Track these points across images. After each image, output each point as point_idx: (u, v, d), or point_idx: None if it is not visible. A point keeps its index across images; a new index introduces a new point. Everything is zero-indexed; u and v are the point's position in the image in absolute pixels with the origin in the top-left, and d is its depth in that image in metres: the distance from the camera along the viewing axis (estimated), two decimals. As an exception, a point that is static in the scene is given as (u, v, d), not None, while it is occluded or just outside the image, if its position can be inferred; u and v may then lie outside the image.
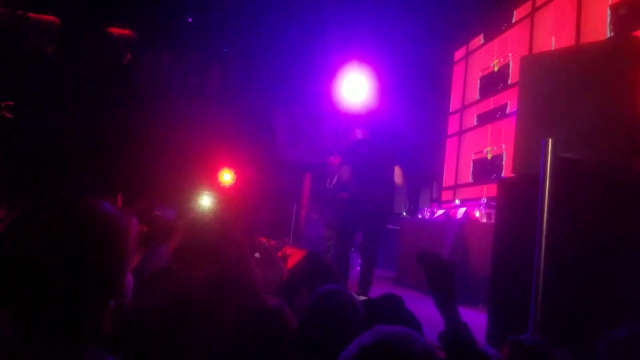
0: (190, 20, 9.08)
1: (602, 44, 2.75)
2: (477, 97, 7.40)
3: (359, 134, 4.87)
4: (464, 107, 7.79)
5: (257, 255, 2.58)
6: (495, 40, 7.16)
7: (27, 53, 8.36)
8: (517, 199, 2.94)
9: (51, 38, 8.64)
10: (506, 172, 6.07)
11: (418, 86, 8.02)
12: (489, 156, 6.76)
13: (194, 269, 2.20)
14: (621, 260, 2.38)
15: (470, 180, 7.24)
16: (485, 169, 6.83)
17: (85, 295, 0.92)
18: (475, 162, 7.17)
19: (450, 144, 8.05)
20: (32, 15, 8.44)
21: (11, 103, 7.98)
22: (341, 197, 4.63)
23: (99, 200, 1.02)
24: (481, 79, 7.36)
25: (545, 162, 2.48)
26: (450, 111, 8.18)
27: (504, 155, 6.35)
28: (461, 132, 7.77)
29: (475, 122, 7.39)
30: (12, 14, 8.26)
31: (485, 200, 5.40)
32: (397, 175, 4.62)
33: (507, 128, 6.33)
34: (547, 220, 2.47)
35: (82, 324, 0.92)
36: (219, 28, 8.74)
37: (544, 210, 2.47)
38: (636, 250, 2.38)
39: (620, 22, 4.63)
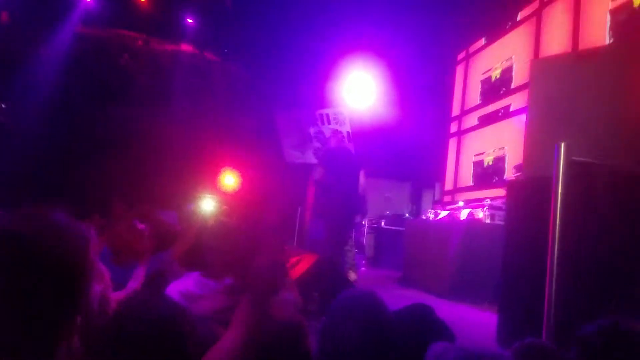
0: (190, 21, 9.09)
1: (613, 49, 2.80)
2: (479, 101, 7.44)
3: (332, 142, 5.98)
4: (464, 112, 7.84)
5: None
6: (497, 43, 7.18)
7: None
8: (527, 201, 2.99)
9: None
10: (509, 174, 6.13)
11: (421, 87, 8.07)
12: (491, 158, 6.81)
13: (209, 276, 2.19)
14: (634, 262, 2.43)
15: (471, 183, 7.28)
16: (487, 172, 6.87)
17: (44, 316, 0.86)
18: (476, 164, 7.22)
19: (451, 146, 8.09)
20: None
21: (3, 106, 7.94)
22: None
23: (54, 210, 0.95)
24: (482, 83, 7.39)
25: (558, 165, 2.52)
26: (451, 114, 8.23)
27: (507, 158, 6.40)
28: (461, 133, 7.82)
29: (476, 123, 7.44)
30: None
31: (489, 202, 5.45)
32: (361, 177, 5.54)
33: (510, 129, 6.37)
34: (560, 222, 2.52)
35: (46, 346, 0.86)
36: (220, 28, 8.74)
37: (556, 212, 2.52)
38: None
39: (619, 27, 4.69)
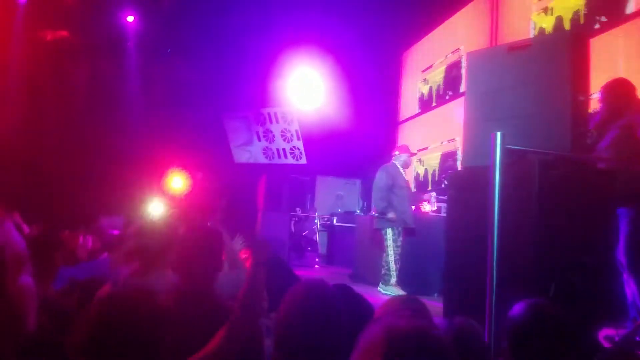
0: (131, 19, 8.74)
1: (542, 41, 2.93)
2: (417, 109, 7.30)
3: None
4: (403, 121, 7.84)
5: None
6: (439, 29, 6.50)
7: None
8: (467, 190, 3.05)
9: None
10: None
11: (368, 84, 8.13)
12: (437, 155, 6.86)
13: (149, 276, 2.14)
14: (570, 245, 2.53)
15: (413, 189, 7.22)
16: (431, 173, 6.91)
17: None
18: (419, 162, 7.23)
19: (399, 139, 8.16)
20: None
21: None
22: None
23: None
24: (421, 85, 7.15)
25: (495, 154, 2.60)
26: (398, 114, 8.30)
27: (458, 153, 6.32)
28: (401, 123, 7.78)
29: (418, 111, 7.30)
30: None
31: (435, 194, 5.56)
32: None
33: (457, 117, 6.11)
34: (498, 208, 2.58)
35: None
36: (162, 29, 8.48)
37: (494, 198, 2.58)
38: (584, 232, 2.54)
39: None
